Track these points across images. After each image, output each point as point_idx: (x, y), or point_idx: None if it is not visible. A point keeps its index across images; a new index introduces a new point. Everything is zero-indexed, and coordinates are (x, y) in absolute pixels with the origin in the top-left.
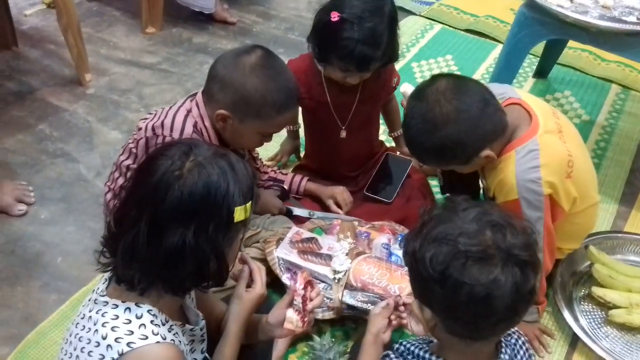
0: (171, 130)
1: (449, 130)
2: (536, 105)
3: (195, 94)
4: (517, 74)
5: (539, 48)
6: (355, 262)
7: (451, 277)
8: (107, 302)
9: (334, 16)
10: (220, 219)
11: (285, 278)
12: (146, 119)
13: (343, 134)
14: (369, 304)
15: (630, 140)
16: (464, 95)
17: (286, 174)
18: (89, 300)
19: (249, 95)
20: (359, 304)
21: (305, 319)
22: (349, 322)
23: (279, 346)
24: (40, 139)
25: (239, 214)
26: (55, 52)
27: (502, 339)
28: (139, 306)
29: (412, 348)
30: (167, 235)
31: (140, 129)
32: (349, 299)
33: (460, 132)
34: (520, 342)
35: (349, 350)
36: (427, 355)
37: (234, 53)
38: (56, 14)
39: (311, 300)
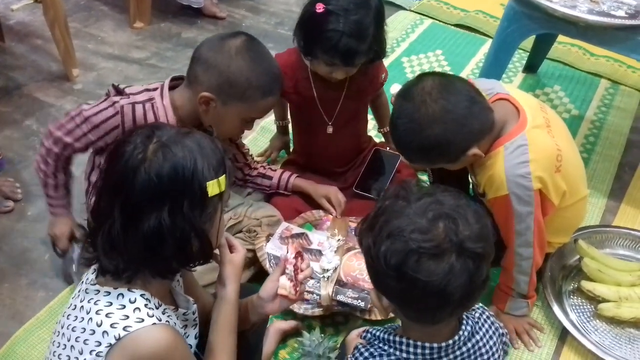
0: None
1: (435, 130)
2: (524, 100)
3: (158, 87)
4: (507, 68)
5: (529, 43)
6: (346, 257)
7: (406, 274)
8: (98, 291)
9: (319, 8)
10: (194, 196)
11: None
12: None
13: (330, 129)
14: (359, 300)
15: (619, 134)
16: (450, 95)
17: (275, 170)
18: (79, 290)
19: (233, 77)
20: (349, 301)
21: (297, 288)
22: (339, 318)
23: (269, 341)
24: (27, 135)
25: (212, 188)
26: (43, 47)
27: (464, 314)
28: (131, 291)
29: (377, 333)
30: (143, 220)
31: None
32: (340, 295)
33: (447, 131)
34: (484, 316)
35: (338, 345)
36: (392, 337)
37: (219, 37)
38: (43, 8)
39: (302, 271)
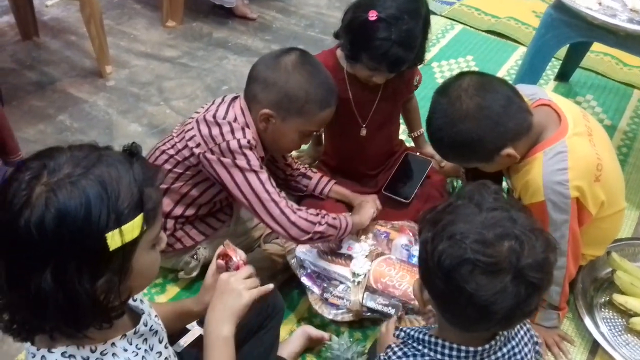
0: (233, 132)
1: (468, 125)
2: (566, 107)
3: (235, 98)
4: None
5: (561, 51)
6: (376, 263)
7: (455, 280)
8: (28, 350)
9: (372, 15)
10: (86, 253)
11: (304, 278)
12: (188, 128)
13: (363, 132)
14: (390, 307)
15: None
16: (487, 93)
17: (315, 172)
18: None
19: (292, 92)
20: (379, 307)
21: None
22: (367, 322)
23: (294, 341)
24: (61, 130)
25: (113, 240)
26: (76, 43)
27: None
28: (51, 352)
29: (412, 333)
30: (26, 280)
31: (193, 146)
32: (370, 301)
33: (479, 128)
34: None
35: (367, 350)
36: (426, 338)
37: (273, 55)
38: (79, 5)
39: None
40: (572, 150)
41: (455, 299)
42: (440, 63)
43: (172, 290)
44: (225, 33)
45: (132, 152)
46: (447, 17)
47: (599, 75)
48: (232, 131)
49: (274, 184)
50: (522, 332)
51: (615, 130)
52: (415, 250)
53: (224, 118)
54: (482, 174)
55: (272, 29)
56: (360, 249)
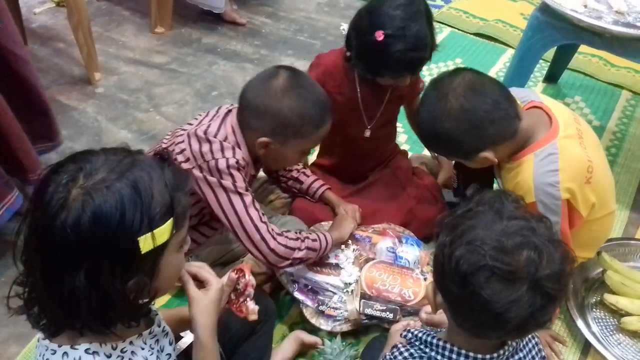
0: (222, 151)
1: (448, 125)
2: (557, 110)
3: (229, 112)
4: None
5: (550, 53)
6: (366, 269)
7: (471, 285)
8: (47, 347)
9: (379, 36)
10: (119, 255)
11: (297, 293)
12: (179, 140)
13: (367, 133)
14: (388, 312)
15: None
16: (474, 95)
17: (308, 176)
18: (38, 339)
19: (286, 119)
20: (377, 313)
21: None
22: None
23: (286, 346)
24: None
25: (145, 244)
26: (65, 50)
27: None
28: (74, 348)
29: (419, 335)
30: (61, 279)
31: (182, 160)
32: (367, 309)
33: (458, 129)
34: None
35: (359, 354)
36: (434, 341)
37: (261, 79)
38: (67, 13)
39: (253, 286)
40: (563, 152)
41: (469, 305)
42: (430, 66)
43: (164, 297)
44: (215, 39)
45: (163, 157)
46: (435, 20)
47: (587, 77)
48: (222, 150)
49: (259, 206)
50: (530, 346)
51: (604, 130)
52: (401, 252)
53: (215, 136)
54: (474, 177)
55: (261, 34)
56: (345, 257)
